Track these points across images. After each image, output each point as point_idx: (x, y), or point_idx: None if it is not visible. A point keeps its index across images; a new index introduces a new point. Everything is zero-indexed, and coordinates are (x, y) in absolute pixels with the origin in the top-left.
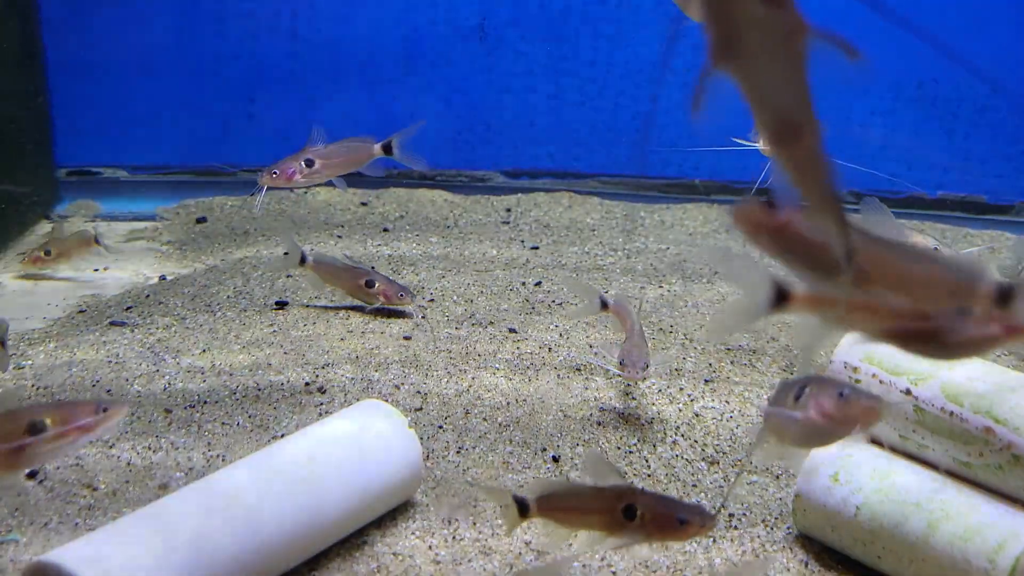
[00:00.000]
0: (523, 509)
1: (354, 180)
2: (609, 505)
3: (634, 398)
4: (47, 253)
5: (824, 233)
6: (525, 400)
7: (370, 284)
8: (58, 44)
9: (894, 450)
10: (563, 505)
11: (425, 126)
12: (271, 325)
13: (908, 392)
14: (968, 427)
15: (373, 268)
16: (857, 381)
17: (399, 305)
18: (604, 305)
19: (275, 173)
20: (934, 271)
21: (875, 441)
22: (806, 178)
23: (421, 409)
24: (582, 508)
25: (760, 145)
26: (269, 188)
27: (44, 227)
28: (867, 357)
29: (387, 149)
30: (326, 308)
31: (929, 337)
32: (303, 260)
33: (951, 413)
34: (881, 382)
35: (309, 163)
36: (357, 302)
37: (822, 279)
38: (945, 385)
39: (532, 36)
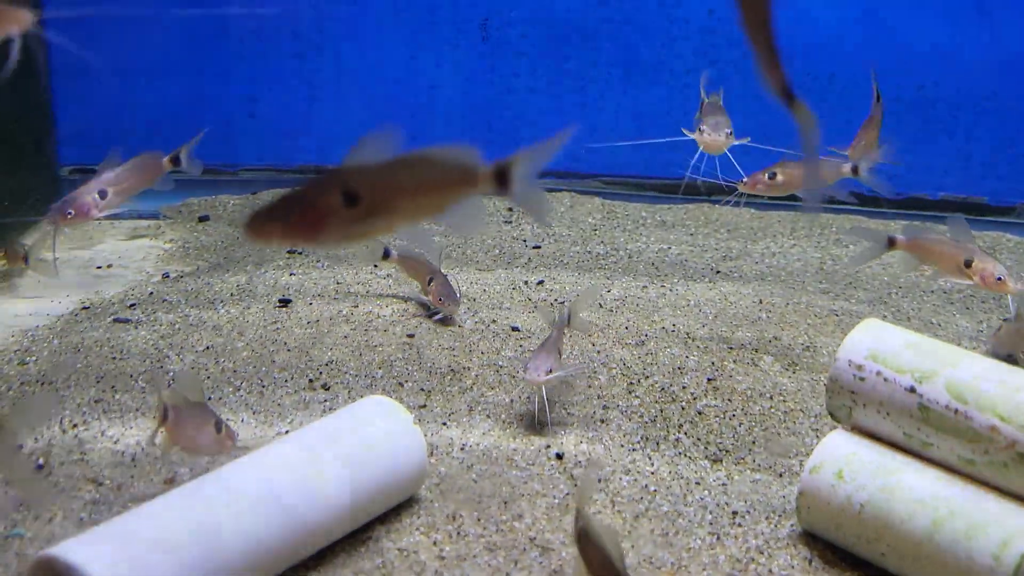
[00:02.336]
0: None
1: None
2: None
3: (637, 396)
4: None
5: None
6: (528, 398)
7: (430, 283)
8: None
9: (898, 448)
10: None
11: (426, 127)
12: (275, 322)
13: (913, 390)
14: (973, 425)
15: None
16: (862, 379)
17: (441, 309)
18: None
19: (70, 213)
20: None
21: (880, 439)
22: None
23: (425, 406)
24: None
25: (697, 136)
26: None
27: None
28: (872, 355)
29: (175, 161)
30: (330, 306)
31: None
32: (386, 254)
33: (956, 411)
34: (886, 380)
35: (103, 194)
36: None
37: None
38: (950, 383)
39: (534, 36)
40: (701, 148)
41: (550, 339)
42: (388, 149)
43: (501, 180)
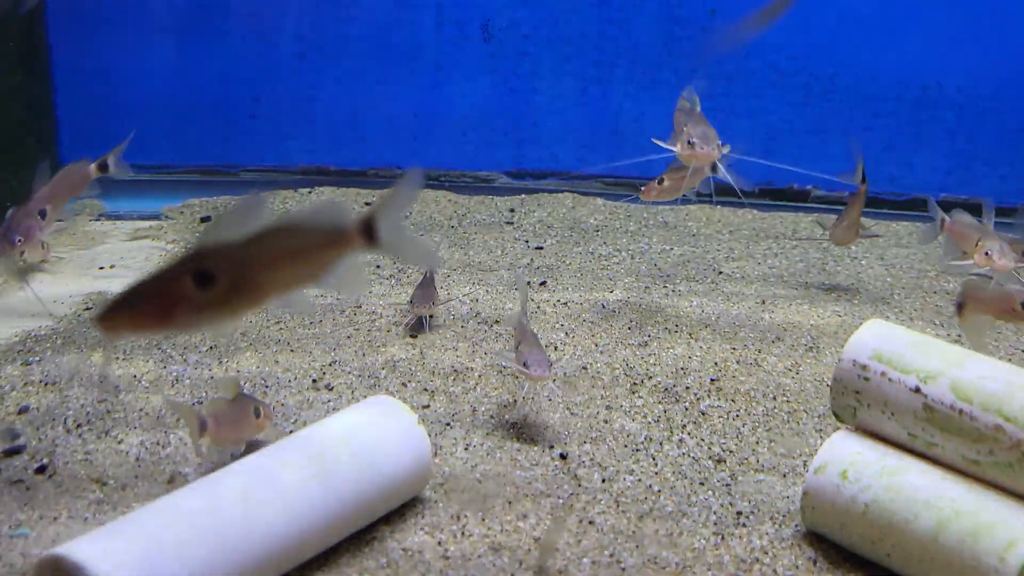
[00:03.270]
0: None
1: (357, 180)
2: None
3: (640, 397)
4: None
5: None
6: (532, 398)
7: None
8: (64, 43)
9: (903, 448)
10: None
11: (428, 127)
12: (277, 322)
13: (918, 390)
14: (978, 425)
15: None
16: (866, 379)
17: (413, 311)
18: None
19: (19, 240)
20: None
21: (884, 439)
22: None
23: (428, 407)
24: None
25: (677, 149)
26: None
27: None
28: (876, 355)
29: (103, 167)
30: (332, 306)
31: None
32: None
33: (961, 411)
34: (891, 380)
35: (43, 213)
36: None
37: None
38: (955, 383)
39: (536, 36)
40: (691, 163)
41: (530, 337)
42: (252, 220)
43: (369, 234)
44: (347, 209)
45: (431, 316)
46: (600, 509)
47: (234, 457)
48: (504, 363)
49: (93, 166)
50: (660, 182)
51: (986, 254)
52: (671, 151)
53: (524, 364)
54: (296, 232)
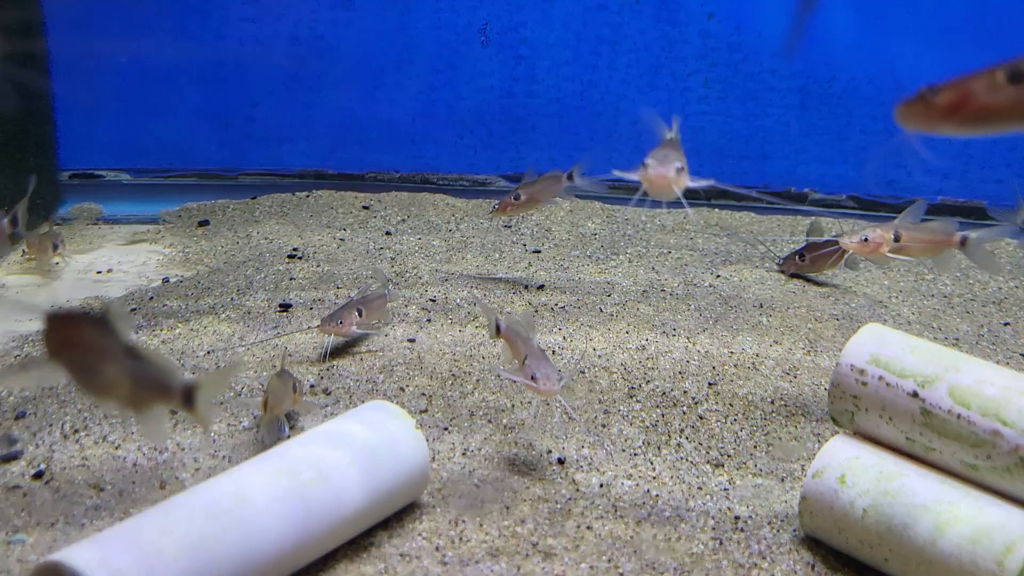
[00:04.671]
0: None
1: (357, 184)
2: None
3: (638, 401)
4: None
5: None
6: (530, 402)
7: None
8: (62, 47)
9: (901, 452)
10: None
11: (426, 130)
12: (275, 327)
13: (915, 394)
14: (976, 430)
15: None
16: (864, 384)
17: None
18: (498, 330)
19: None
20: None
21: (882, 444)
22: None
23: (426, 411)
24: None
25: (641, 175)
26: None
27: (45, 230)
28: (874, 359)
29: (13, 222)
30: (330, 310)
31: None
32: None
33: (959, 416)
34: (888, 385)
35: None
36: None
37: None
38: (953, 388)
39: (533, 40)
40: (646, 188)
41: (535, 349)
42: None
43: (187, 399)
44: (178, 372)
45: (339, 337)
46: (598, 514)
47: (278, 437)
48: (511, 378)
49: (6, 222)
50: (516, 198)
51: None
52: (632, 179)
53: (532, 378)
54: (132, 367)
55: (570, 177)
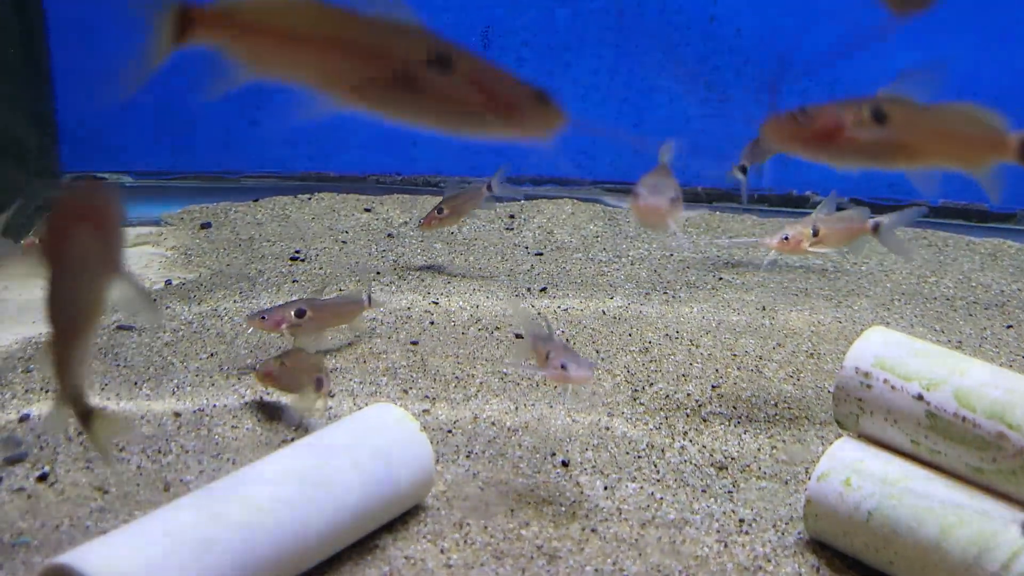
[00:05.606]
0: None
1: (359, 186)
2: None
3: (642, 403)
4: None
5: None
6: (533, 404)
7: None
8: (64, 50)
9: (906, 455)
10: None
11: (428, 133)
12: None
13: (920, 397)
14: (981, 433)
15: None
16: (869, 387)
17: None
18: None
19: None
20: None
21: (887, 447)
22: None
23: (429, 413)
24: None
25: (632, 205)
26: None
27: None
28: (878, 362)
29: None
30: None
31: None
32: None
33: (964, 419)
34: (893, 388)
35: None
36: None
37: None
38: (958, 390)
39: (535, 44)
40: (637, 218)
41: (558, 340)
42: None
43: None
44: None
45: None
46: (602, 517)
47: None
48: (534, 372)
49: None
50: (440, 211)
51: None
52: (621, 206)
53: (562, 367)
54: None
55: (489, 187)
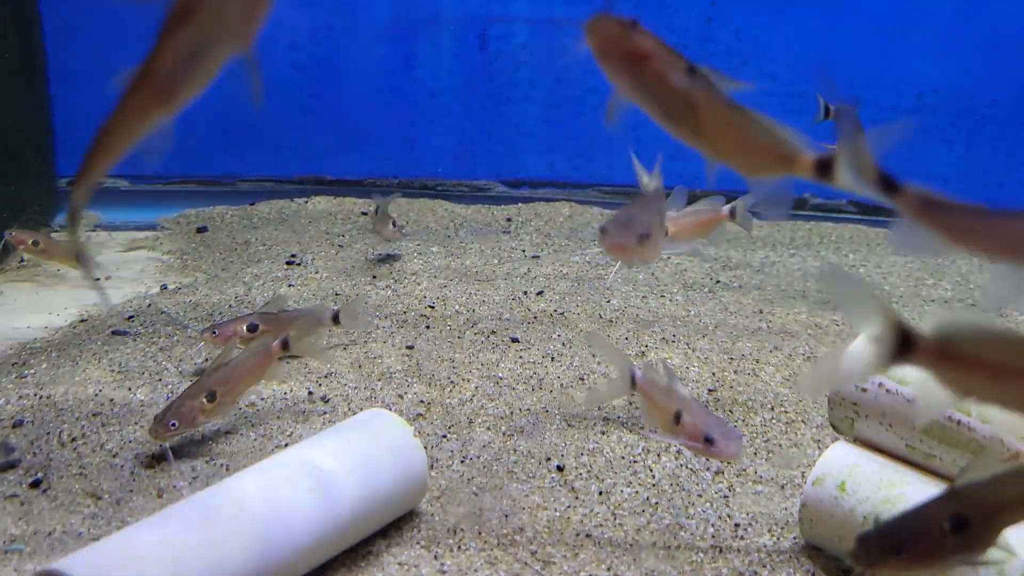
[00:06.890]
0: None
1: (356, 190)
2: None
3: (638, 407)
4: (35, 243)
5: None
6: (529, 409)
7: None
8: (60, 54)
9: (901, 459)
10: None
11: (425, 137)
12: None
13: (915, 401)
14: (976, 436)
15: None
16: (864, 391)
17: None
18: (633, 383)
19: None
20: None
21: (882, 451)
22: None
23: (424, 418)
24: None
25: (600, 240)
26: None
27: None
28: None
29: None
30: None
31: None
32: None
33: (959, 422)
34: (888, 391)
35: None
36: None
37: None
38: None
39: (533, 46)
40: (609, 253)
41: (689, 398)
42: None
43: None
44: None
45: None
46: (597, 522)
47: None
48: (671, 441)
49: None
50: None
51: None
52: (597, 251)
53: (707, 440)
54: None
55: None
